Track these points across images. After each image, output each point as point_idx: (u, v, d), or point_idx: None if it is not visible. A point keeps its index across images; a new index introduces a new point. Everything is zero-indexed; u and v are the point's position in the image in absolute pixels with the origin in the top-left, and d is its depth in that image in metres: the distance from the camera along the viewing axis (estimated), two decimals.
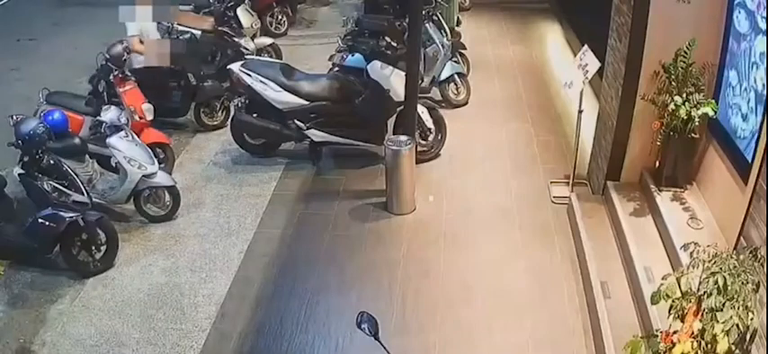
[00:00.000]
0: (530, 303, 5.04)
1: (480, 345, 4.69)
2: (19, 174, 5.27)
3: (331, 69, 7.52)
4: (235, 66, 6.87)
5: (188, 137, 7.71)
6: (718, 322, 2.99)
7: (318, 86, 6.81)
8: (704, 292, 3.13)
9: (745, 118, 4.53)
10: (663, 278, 3.47)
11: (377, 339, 3.09)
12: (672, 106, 4.91)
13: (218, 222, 6.16)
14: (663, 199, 5.17)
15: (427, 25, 7.85)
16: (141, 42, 7.45)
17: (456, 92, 8.20)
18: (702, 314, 3.12)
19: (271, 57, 8.94)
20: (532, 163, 6.94)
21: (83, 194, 5.36)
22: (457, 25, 10.04)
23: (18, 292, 5.30)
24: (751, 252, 3.23)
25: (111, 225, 5.55)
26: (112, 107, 6.09)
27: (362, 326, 3.13)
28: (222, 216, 6.24)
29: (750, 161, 4.16)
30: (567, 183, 6.30)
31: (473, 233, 5.88)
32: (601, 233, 5.46)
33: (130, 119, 6.33)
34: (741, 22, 4.59)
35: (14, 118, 5.51)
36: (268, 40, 9.34)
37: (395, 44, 6.95)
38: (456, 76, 8.15)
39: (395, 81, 6.57)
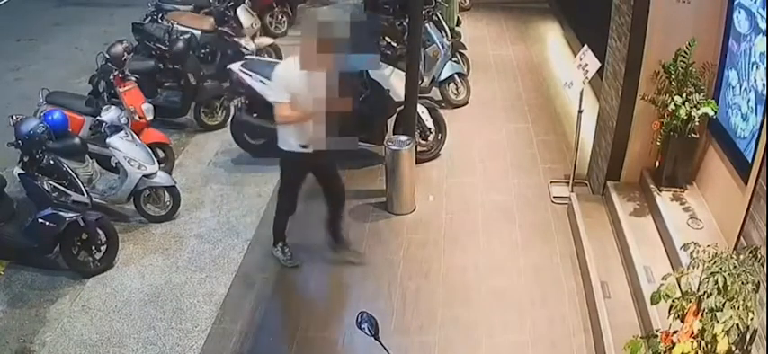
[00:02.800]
0: (530, 302, 5.04)
1: (480, 345, 4.69)
2: (19, 174, 5.27)
3: None
4: (235, 66, 6.87)
5: (188, 137, 7.71)
6: (718, 322, 2.99)
7: None
8: (704, 292, 3.13)
9: (745, 118, 4.53)
10: (663, 278, 3.47)
11: (377, 339, 3.09)
12: (672, 106, 4.91)
13: (218, 222, 6.16)
14: (663, 199, 5.17)
15: (427, 25, 7.84)
16: None
17: (456, 92, 8.20)
18: (702, 314, 3.12)
19: (271, 57, 8.94)
20: (532, 163, 6.94)
21: (83, 194, 5.36)
22: (457, 25, 10.04)
23: (18, 292, 5.29)
24: (751, 252, 3.23)
25: (111, 225, 5.55)
26: (112, 107, 6.08)
27: (362, 326, 3.13)
28: (222, 216, 6.24)
29: (750, 161, 4.16)
30: (567, 183, 6.30)
31: (473, 233, 5.88)
32: (601, 233, 5.45)
33: (130, 119, 6.32)
34: (741, 22, 4.59)
35: (14, 118, 5.50)
36: (268, 40, 9.33)
37: (395, 44, 6.95)
38: (456, 76, 8.15)
39: (395, 81, 6.57)
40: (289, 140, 4.89)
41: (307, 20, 4.85)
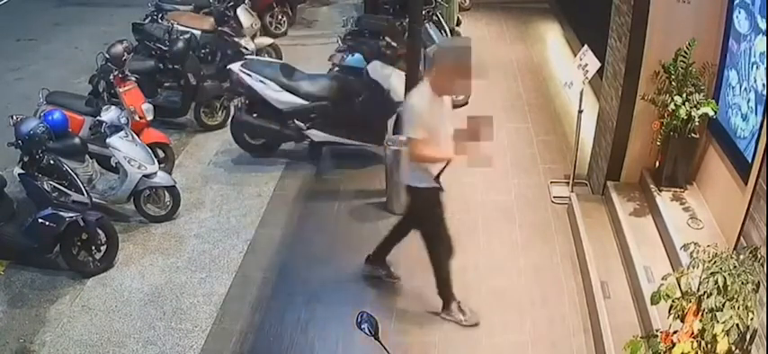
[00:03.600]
0: (530, 302, 5.03)
1: (480, 345, 4.69)
2: (19, 174, 5.27)
3: (331, 69, 7.53)
4: (235, 66, 6.87)
5: (188, 137, 7.72)
6: (718, 322, 2.99)
7: (318, 86, 6.81)
8: (704, 292, 3.13)
9: (745, 118, 4.53)
10: (663, 278, 3.47)
11: (377, 339, 3.09)
12: (672, 106, 4.91)
13: (218, 222, 6.15)
14: (663, 199, 5.17)
15: (427, 25, 7.84)
16: None
17: None
18: (702, 314, 3.12)
19: (271, 57, 8.95)
20: (532, 163, 6.94)
21: (83, 194, 5.36)
22: (457, 25, 10.04)
23: (18, 292, 5.29)
24: (751, 252, 3.23)
25: (111, 225, 5.55)
26: (112, 107, 6.09)
27: (362, 326, 3.13)
28: (222, 216, 6.23)
29: (750, 161, 4.16)
30: (567, 183, 6.30)
31: (473, 233, 5.87)
32: (601, 233, 5.46)
33: (130, 119, 6.33)
34: (741, 22, 4.59)
35: (14, 118, 5.51)
36: (268, 40, 9.34)
37: (395, 44, 6.95)
38: None
39: (395, 81, 6.57)
40: (425, 176, 4.45)
41: (446, 46, 4.46)
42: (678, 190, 5.21)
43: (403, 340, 4.68)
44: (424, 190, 4.50)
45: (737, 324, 2.95)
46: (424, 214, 4.64)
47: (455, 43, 4.41)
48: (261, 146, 7.17)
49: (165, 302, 5.18)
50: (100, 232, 5.43)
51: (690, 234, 4.65)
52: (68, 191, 5.25)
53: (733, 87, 4.75)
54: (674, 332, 3.33)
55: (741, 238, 3.86)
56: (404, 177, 4.53)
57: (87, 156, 6.01)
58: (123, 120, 5.99)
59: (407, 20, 6.68)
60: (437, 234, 4.68)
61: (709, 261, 3.23)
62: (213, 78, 7.90)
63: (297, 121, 6.79)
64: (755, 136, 4.20)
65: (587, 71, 5.69)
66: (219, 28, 8.50)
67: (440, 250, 4.72)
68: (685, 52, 4.93)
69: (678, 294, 3.39)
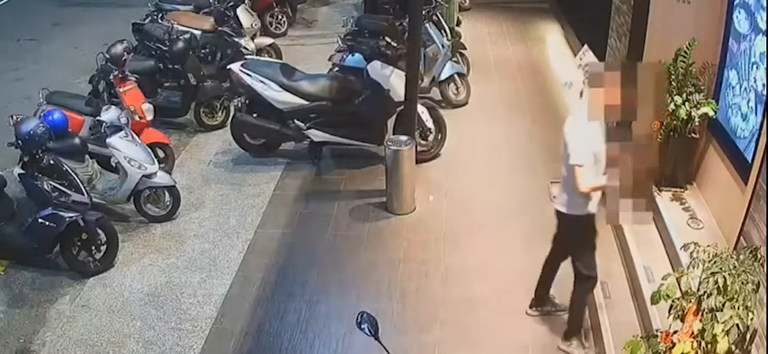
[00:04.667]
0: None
1: (480, 345, 4.69)
2: (19, 174, 5.27)
3: (331, 69, 7.53)
4: (235, 66, 6.87)
5: (188, 137, 7.72)
6: (718, 322, 2.99)
7: (318, 86, 6.81)
8: (704, 292, 3.13)
9: (745, 118, 4.53)
10: (663, 278, 3.47)
11: (377, 339, 3.09)
12: (672, 106, 4.91)
13: (218, 222, 6.16)
14: (663, 199, 5.17)
15: (427, 25, 7.84)
16: None
17: (456, 92, 8.20)
18: (702, 314, 3.12)
19: (271, 57, 8.95)
20: (532, 163, 6.93)
21: (83, 194, 5.36)
22: (457, 25, 10.04)
23: (18, 292, 5.30)
24: (751, 252, 3.23)
25: (111, 225, 5.55)
26: (112, 107, 6.09)
27: (362, 326, 3.13)
28: (222, 216, 6.24)
29: (750, 161, 4.17)
30: None
31: (473, 233, 5.88)
32: (601, 233, 5.44)
33: (130, 119, 6.33)
34: (741, 22, 4.59)
35: (14, 118, 5.51)
36: (268, 40, 9.35)
37: (395, 44, 6.94)
38: (456, 76, 8.15)
39: (395, 81, 6.57)
40: (583, 203, 4.18)
41: (598, 70, 4.02)
42: (678, 190, 5.22)
43: (403, 340, 4.68)
44: (581, 217, 4.26)
45: (737, 324, 2.96)
46: (580, 242, 4.39)
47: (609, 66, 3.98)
48: (261, 146, 7.17)
49: (165, 302, 5.18)
50: (100, 232, 5.43)
51: (690, 234, 4.65)
52: (68, 191, 5.25)
53: (733, 87, 4.76)
54: (674, 332, 3.34)
55: (741, 238, 3.87)
56: (558, 203, 4.34)
57: (87, 156, 6.01)
58: (123, 120, 5.99)
59: (407, 20, 6.68)
60: (590, 265, 4.39)
61: (710, 261, 3.23)
62: (213, 78, 7.90)
63: (297, 121, 6.79)
64: (755, 136, 4.21)
65: (587, 71, 5.67)
66: (219, 28, 8.51)
67: (588, 284, 4.45)
68: (685, 52, 4.94)
69: (678, 294, 3.39)
